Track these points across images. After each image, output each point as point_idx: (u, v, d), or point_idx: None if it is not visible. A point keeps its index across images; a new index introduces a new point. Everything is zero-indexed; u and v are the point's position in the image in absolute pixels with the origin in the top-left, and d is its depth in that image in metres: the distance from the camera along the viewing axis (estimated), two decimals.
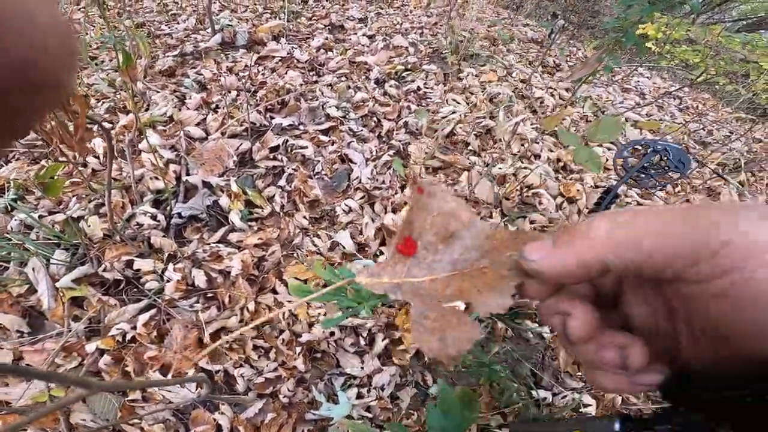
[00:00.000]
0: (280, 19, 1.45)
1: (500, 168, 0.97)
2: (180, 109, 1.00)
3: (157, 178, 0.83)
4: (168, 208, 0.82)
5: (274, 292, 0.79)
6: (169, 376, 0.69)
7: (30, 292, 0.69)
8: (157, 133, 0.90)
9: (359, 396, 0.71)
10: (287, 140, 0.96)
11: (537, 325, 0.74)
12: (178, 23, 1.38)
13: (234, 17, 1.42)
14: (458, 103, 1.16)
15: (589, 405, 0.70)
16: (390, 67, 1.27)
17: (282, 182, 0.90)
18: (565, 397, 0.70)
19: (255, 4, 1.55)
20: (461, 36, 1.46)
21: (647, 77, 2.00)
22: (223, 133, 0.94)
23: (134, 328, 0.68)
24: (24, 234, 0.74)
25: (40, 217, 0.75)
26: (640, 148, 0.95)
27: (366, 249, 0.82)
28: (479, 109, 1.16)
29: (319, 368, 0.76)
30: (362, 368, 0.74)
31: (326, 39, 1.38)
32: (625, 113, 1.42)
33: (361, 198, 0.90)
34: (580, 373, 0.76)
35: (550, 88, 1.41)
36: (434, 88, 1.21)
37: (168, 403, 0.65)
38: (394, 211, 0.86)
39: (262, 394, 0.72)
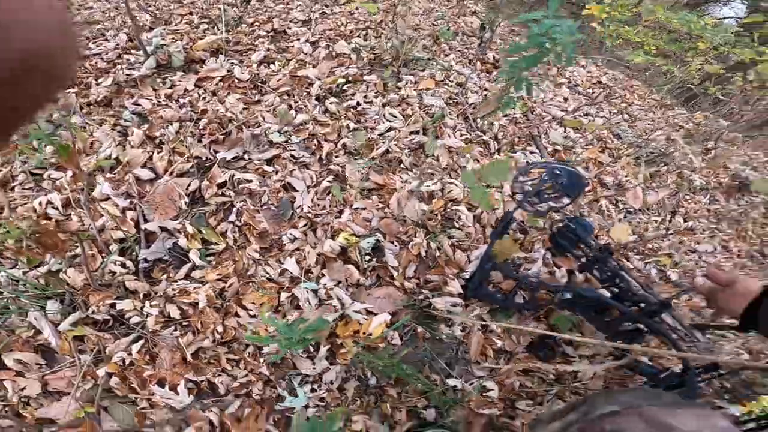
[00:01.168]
0: (218, 30, 1.42)
1: (428, 185, 1.11)
2: (124, 147, 1.05)
3: (118, 228, 0.93)
4: (134, 254, 0.94)
5: (237, 315, 0.95)
6: (166, 388, 0.86)
7: (37, 333, 0.82)
8: (107, 181, 0.97)
9: (313, 390, 0.92)
10: (233, 174, 1.06)
11: (449, 327, 0.95)
12: (107, 40, 1.34)
13: (168, 31, 1.39)
14: (395, 116, 1.27)
15: (492, 390, 0.93)
16: (331, 80, 1.33)
17: (232, 217, 1.02)
18: (473, 383, 0.93)
19: (190, 14, 1.49)
20: (404, 36, 1.50)
21: (582, 66, 2.10)
22: (171, 173, 1.03)
23: (130, 354, 0.84)
24: (13, 287, 0.84)
25: (24, 273, 0.85)
26: (536, 171, 1.09)
27: (310, 273, 0.98)
28: (415, 122, 1.27)
29: (281, 370, 0.95)
30: (314, 368, 0.93)
31: (268, 50, 1.40)
32: (552, 111, 1.55)
33: (304, 225, 1.03)
34: (486, 364, 0.98)
35: (486, 90, 1.51)
36: (373, 101, 1.29)
37: (170, 407, 0.84)
38: (333, 236, 1.01)
39: (238, 395, 0.91)
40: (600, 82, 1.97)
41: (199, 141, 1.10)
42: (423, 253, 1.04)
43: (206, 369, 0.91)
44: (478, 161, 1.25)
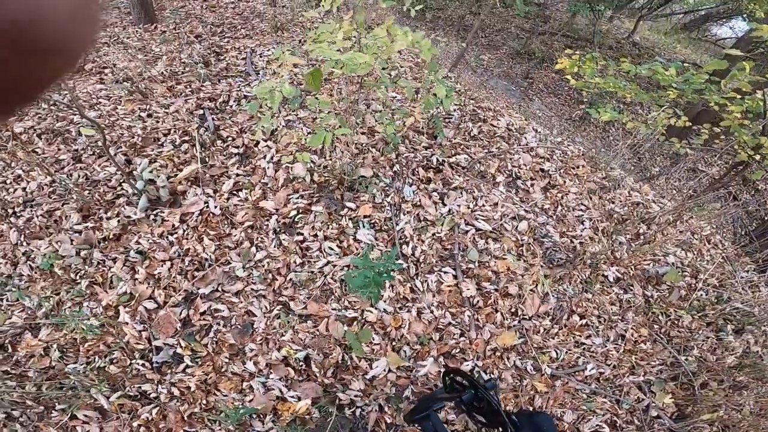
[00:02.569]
0: (196, 150, 1.74)
1: (350, 312, 1.58)
2: (134, 283, 1.53)
3: (138, 343, 1.47)
4: (150, 356, 1.49)
5: (215, 395, 1.52)
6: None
7: (95, 400, 1.42)
8: (126, 313, 1.48)
9: None
10: (211, 305, 1.54)
11: (350, 410, 1.50)
12: (108, 162, 1.70)
13: (154, 155, 1.72)
14: (333, 249, 1.66)
15: None
16: (286, 211, 1.69)
17: (211, 334, 1.54)
18: None
19: (171, 132, 1.78)
20: (350, 156, 1.78)
21: (532, 138, 2.25)
22: (168, 304, 1.52)
23: (151, 414, 1.44)
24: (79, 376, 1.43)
25: (83, 367, 1.42)
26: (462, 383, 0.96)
27: (261, 371, 1.52)
28: (350, 252, 1.66)
29: (243, 427, 1.55)
30: (263, 428, 1.53)
31: (237, 176, 1.73)
32: (478, 224, 1.87)
33: (260, 340, 1.55)
34: None
35: (419, 206, 1.82)
36: (318, 234, 1.67)
37: None
38: (279, 348, 1.52)
39: None
40: (542, 170, 2.17)
41: (185, 277, 1.56)
42: (339, 361, 1.55)
43: (196, 425, 1.53)
44: (393, 287, 1.66)
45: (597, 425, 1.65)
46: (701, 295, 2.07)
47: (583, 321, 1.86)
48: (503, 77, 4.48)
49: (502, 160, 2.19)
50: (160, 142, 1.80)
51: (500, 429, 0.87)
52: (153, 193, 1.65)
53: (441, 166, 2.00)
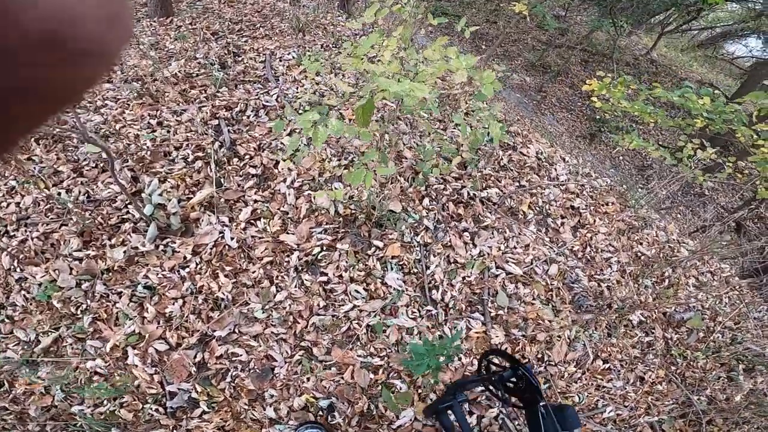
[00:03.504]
0: (209, 170, 1.55)
1: (376, 360, 1.47)
2: (143, 321, 1.38)
3: (150, 387, 1.34)
4: (164, 401, 1.36)
5: None
6: None
7: None
8: (135, 355, 1.34)
9: None
10: (228, 348, 1.41)
11: None
12: (112, 180, 1.50)
13: (163, 174, 1.53)
14: (359, 293, 1.53)
15: None
16: (309, 247, 1.55)
17: (228, 379, 1.43)
18: None
19: (181, 147, 1.59)
20: (379, 181, 1.63)
21: (562, 169, 2.13)
22: (181, 346, 1.38)
23: None
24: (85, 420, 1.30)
25: (91, 410, 1.30)
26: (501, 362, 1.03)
27: (282, 419, 1.42)
28: (378, 297, 1.54)
29: None
30: None
31: (255, 203, 1.56)
32: (509, 267, 1.76)
33: (280, 386, 1.44)
34: None
35: (449, 245, 1.69)
36: (343, 275, 1.54)
37: None
38: (300, 395, 1.42)
39: None
40: (573, 207, 2.06)
41: (199, 317, 1.42)
42: (365, 410, 1.46)
43: None
44: (422, 334, 1.56)
45: None
46: (717, 337, 2.10)
47: (606, 365, 1.86)
48: (516, 89, 4.25)
49: (533, 195, 2.07)
50: (171, 158, 1.60)
51: (539, 407, 0.87)
52: (163, 220, 1.48)
53: (472, 201, 1.87)
